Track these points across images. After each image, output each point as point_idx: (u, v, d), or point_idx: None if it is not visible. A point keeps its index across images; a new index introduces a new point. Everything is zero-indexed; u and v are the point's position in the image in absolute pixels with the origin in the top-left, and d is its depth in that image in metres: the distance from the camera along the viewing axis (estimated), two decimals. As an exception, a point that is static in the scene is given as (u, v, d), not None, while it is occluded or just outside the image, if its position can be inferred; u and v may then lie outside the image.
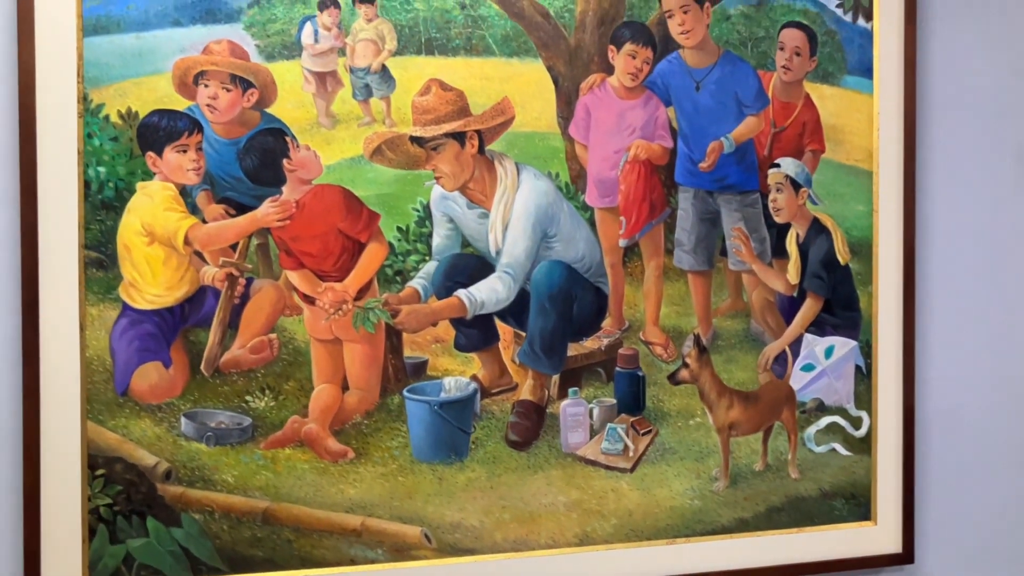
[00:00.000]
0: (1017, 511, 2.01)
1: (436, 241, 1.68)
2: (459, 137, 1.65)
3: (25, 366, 1.46)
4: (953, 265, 1.94)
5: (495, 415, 1.70)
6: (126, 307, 1.53)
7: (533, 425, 1.71)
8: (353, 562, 1.60)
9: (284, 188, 1.60)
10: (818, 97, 1.83)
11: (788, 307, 1.84)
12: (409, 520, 1.63)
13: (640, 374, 1.76)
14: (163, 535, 1.53)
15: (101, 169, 1.51)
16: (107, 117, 1.51)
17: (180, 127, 1.54)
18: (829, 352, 1.85)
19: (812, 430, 1.85)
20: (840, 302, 1.85)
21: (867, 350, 1.86)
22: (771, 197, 1.82)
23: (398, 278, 1.66)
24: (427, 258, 1.68)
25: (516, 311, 1.70)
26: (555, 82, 1.71)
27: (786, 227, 1.83)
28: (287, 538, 1.58)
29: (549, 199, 1.69)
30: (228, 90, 1.56)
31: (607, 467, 1.73)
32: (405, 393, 1.65)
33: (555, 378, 1.74)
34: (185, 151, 1.54)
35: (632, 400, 1.76)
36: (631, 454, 1.74)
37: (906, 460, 1.88)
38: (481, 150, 1.67)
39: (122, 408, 1.52)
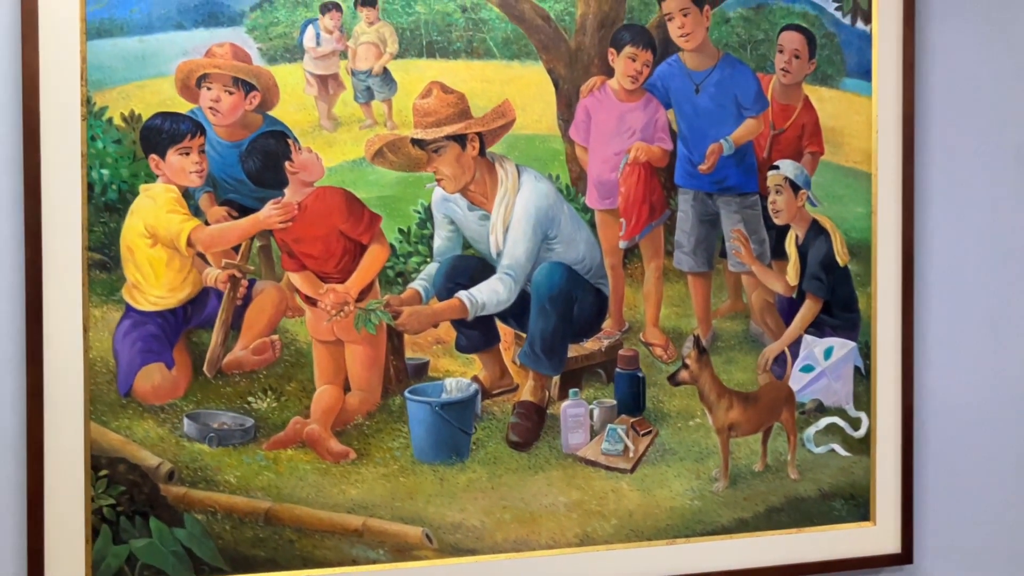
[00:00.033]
0: (1015, 511, 2.01)
1: (437, 243, 1.69)
2: (460, 139, 1.66)
3: (29, 367, 1.47)
4: (952, 266, 1.94)
5: (496, 416, 1.71)
6: (129, 309, 1.54)
7: (534, 426, 1.71)
8: (355, 562, 1.61)
9: (286, 190, 1.60)
10: (817, 99, 1.83)
11: (787, 308, 1.85)
12: (410, 520, 1.64)
13: (640, 375, 1.77)
14: (166, 535, 1.54)
15: (104, 171, 1.52)
16: (110, 120, 1.51)
17: (183, 130, 1.54)
18: (828, 353, 1.86)
19: (811, 431, 1.85)
20: (839, 303, 1.86)
21: (866, 351, 1.87)
22: (770, 199, 1.83)
23: (399, 280, 1.67)
24: (428, 260, 1.68)
25: (517, 312, 1.71)
26: (555, 85, 1.71)
27: (785, 229, 1.84)
28: (289, 538, 1.58)
29: (550, 201, 1.70)
30: (230, 93, 1.57)
31: (607, 468, 1.73)
32: (406, 394, 1.66)
33: (556, 379, 1.74)
34: (188, 153, 1.55)
35: (632, 401, 1.77)
36: (631, 455, 1.75)
37: (905, 461, 1.88)
38: (482, 152, 1.68)
39: (125, 409, 1.53)
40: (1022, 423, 2.00)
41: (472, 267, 1.69)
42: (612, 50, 1.73)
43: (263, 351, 1.60)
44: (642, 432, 1.76)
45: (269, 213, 1.59)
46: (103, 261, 1.52)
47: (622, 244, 1.77)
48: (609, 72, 1.74)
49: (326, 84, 1.61)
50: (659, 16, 1.75)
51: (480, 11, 1.66)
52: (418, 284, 1.67)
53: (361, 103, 1.63)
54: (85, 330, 1.50)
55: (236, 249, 1.59)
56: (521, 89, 1.69)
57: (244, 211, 1.59)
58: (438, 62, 1.65)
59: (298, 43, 1.59)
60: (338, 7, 1.61)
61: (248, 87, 1.58)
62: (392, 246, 1.65)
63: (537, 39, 1.70)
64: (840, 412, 1.87)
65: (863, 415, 1.87)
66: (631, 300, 1.78)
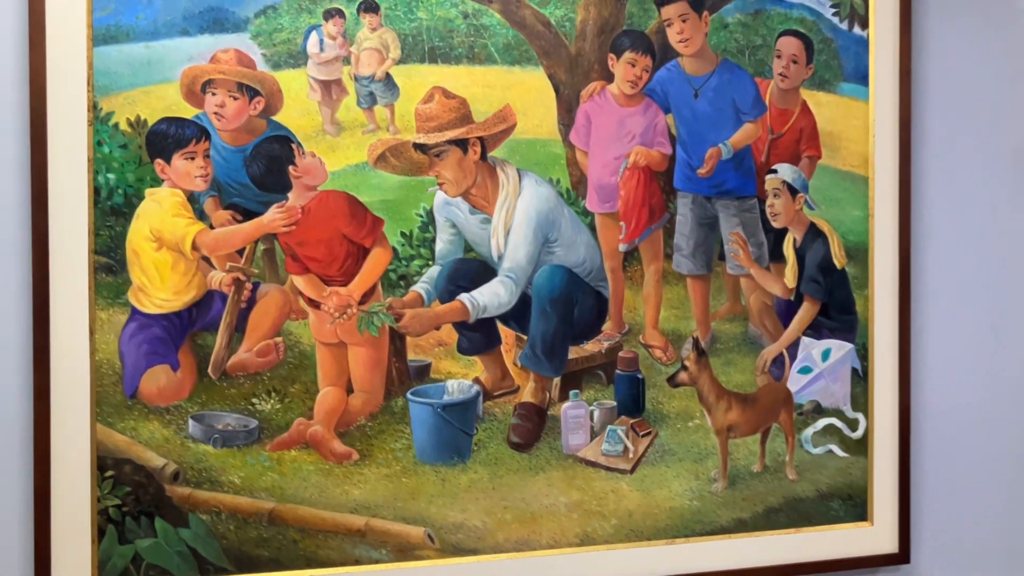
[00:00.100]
0: (1011, 511, 2.02)
1: (439, 246, 1.70)
2: (462, 144, 1.67)
3: (36, 369, 1.48)
4: (948, 269, 1.95)
5: (497, 417, 1.71)
6: (135, 311, 1.54)
7: (534, 427, 1.72)
8: (358, 562, 1.61)
9: (290, 194, 1.61)
10: (815, 104, 1.84)
11: (785, 310, 1.86)
12: (413, 521, 1.64)
13: (640, 377, 1.78)
14: (171, 535, 1.54)
15: (110, 176, 1.53)
16: (116, 125, 1.53)
17: (188, 135, 1.55)
18: (826, 355, 1.87)
19: (809, 432, 1.86)
20: (837, 306, 1.87)
21: (863, 353, 1.88)
22: (768, 202, 1.84)
23: (402, 282, 1.68)
24: (430, 263, 1.69)
25: (518, 315, 1.72)
26: (556, 90, 1.72)
27: (783, 232, 1.85)
28: (293, 538, 1.59)
29: (550, 205, 1.71)
30: (235, 98, 1.58)
31: (607, 468, 1.74)
32: (409, 396, 1.66)
33: (556, 381, 1.75)
34: (193, 158, 1.56)
35: (632, 402, 1.77)
36: (631, 455, 1.76)
37: (902, 461, 1.89)
38: (483, 157, 1.69)
39: (131, 410, 1.54)
40: (1018, 423, 2.01)
41: (473, 270, 1.70)
42: (612, 55, 1.75)
43: (267, 353, 1.61)
44: (642, 433, 1.77)
45: (273, 217, 1.60)
46: (109, 264, 1.53)
47: (622, 247, 1.78)
48: (609, 77, 1.75)
49: (329, 89, 1.63)
50: (658, 22, 1.76)
51: (481, 17, 1.68)
52: (420, 287, 1.68)
53: (364, 108, 1.64)
54: (91, 332, 1.51)
55: (240, 252, 1.60)
56: (522, 94, 1.70)
57: (248, 215, 1.60)
58: (440, 67, 1.66)
59: (302, 49, 1.60)
60: (341, 13, 1.62)
61: (252, 92, 1.59)
62: (394, 249, 1.66)
63: (538, 45, 1.71)
64: (838, 413, 1.88)
65: (860, 416, 1.88)
66: (631, 302, 1.79)
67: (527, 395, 1.73)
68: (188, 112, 1.56)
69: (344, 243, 1.64)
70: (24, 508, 1.50)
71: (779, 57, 1.83)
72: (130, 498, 1.53)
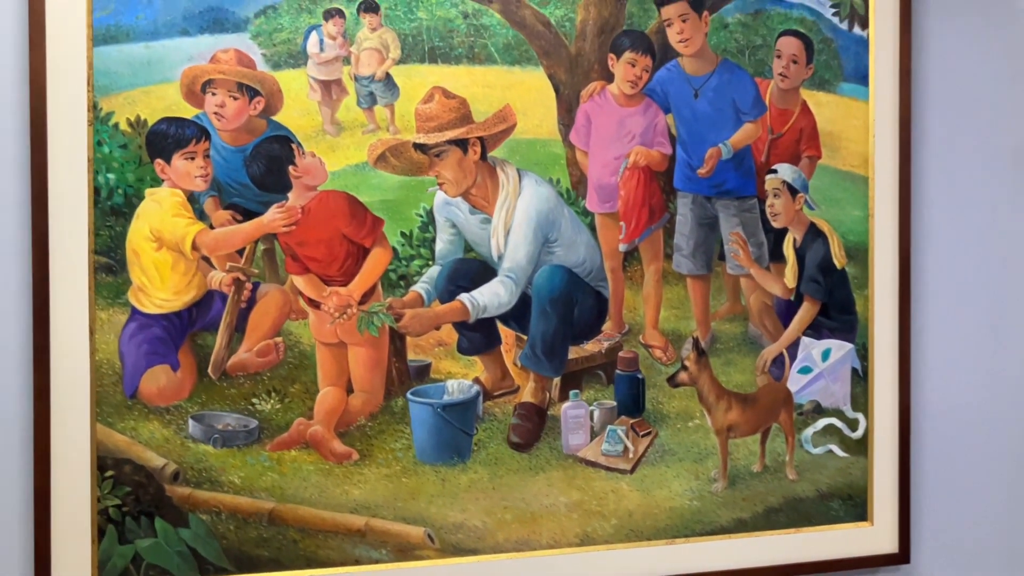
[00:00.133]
0: (1011, 511, 2.02)
1: (439, 246, 1.70)
2: (462, 144, 1.67)
3: (36, 369, 1.48)
4: (948, 269, 1.95)
5: (497, 417, 1.72)
6: (135, 311, 1.55)
7: (534, 427, 1.72)
8: (358, 562, 1.62)
9: (290, 194, 1.62)
10: (815, 104, 1.85)
11: (785, 310, 1.86)
12: (413, 521, 1.65)
13: (640, 377, 1.78)
14: (171, 535, 1.55)
15: (110, 176, 1.53)
16: (116, 125, 1.53)
17: (188, 135, 1.55)
18: (826, 355, 1.87)
19: (809, 432, 1.86)
20: (837, 306, 1.87)
21: (863, 353, 1.88)
22: (768, 202, 1.84)
23: (402, 282, 1.68)
24: (430, 263, 1.69)
25: (518, 315, 1.72)
26: (556, 90, 1.73)
27: (783, 232, 1.85)
28: (293, 538, 1.59)
29: (550, 205, 1.71)
30: (235, 98, 1.58)
31: (607, 468, 1.74)
32: (409, 396, 1.67)
33: (556, 381, 1.75)
34: (193, 158, 1.56)
35: (632, 402, 1.78)
36: (631, 455, 1.76)
37: (902, 461, 1.89)
38: (483, 157, 1.69)
39: (131, 410, 1.54)
40: (1018, 423, 2.02)
41: (473, 270, 1.70)
42: (612, 55, 1.75)
43: (267, 353, 1.61)
44: (642, 433, 1.77)
45: (273, 217, 1.60)
46: (109, 264, 1.53)
47: (622, 247, 1.78)
48: (609, 77, 1.75)
49: (329, 89, 1.63)
50: (658, 22, 1.77)
51: (481, 17, 1.68)
52: (420, 287, 1.68)
53: (364, 108, 1.64)
54: (91, 332, 1.51)
55: (240, 252, 1.60)
56: (522, 94, 1.70)
57: (248, 215, 1.60)
58: (440, 67, 1.66)
59: (302, 49, 1.61)
60: (341, 13, 1.62)
61: (252, 92, 1.59)
62: (394, 249, 1.66)
63: (538, 45, 1.71)
64: (838, 413, 1.88)
65: (860, 416, 1.88)
66: (631, 302, 1.79)
67: (527, 395, 1.73)
68: (188, 112, 1.56)
69: (344, 243, 1.64)
70: (24, 508, 1.50)
71: (779, 57, 1.83)
72: (130, 498, 1.53)
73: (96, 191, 1.52)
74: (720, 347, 1.83)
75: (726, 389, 1.81)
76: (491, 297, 1.69)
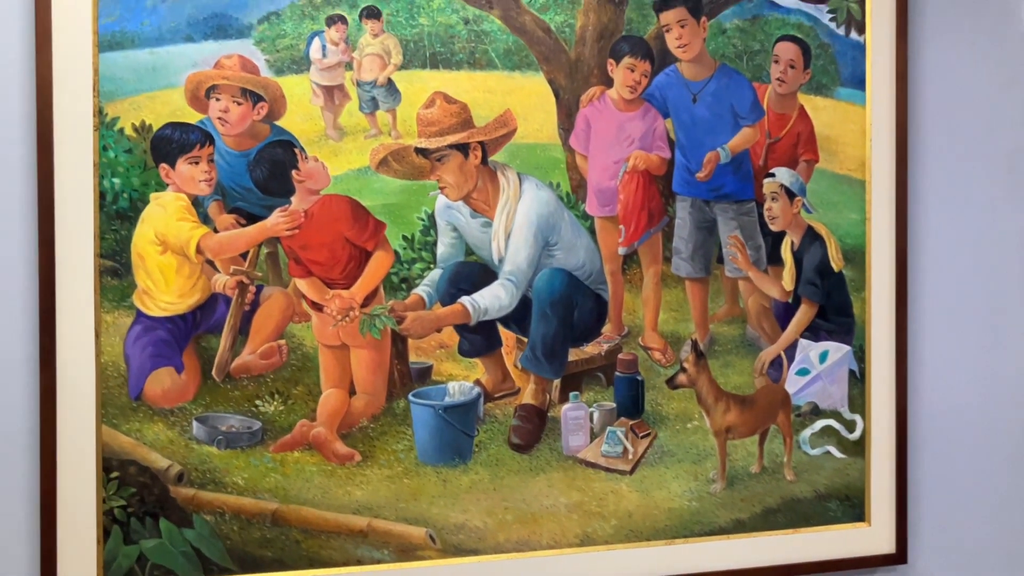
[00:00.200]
0: (1008, 512, 2.03)
1: (440, 249, 1.71)
2: (463, 148, 1.68)
3: (42, 371, 1.49)
4: (944, 272, 1.96)
5: (498, 419, 1.72)
6: (140, 314, 1.56)
7: (535, 428, 1.73)
8: (360, 562, 1.62)
9: (293, 198, 1.63)
10: (812, 108, 1.86)
11: (783, 313, 1.87)
12: (414, 521, 1.65)
13: (639, 378, 1.79)
14: (175, 536, 1.55)
15: (116, 180, 1.54)
16: (122, 130, 1.54)
17: (192, 139, 1.57)
18: (823, 357, 1.88)
19: (807, 433, 1.87)
20: (834, 308, 1.88)
21: (860, 355, 1.89)
22: (766, 206, 1.85)
23: (404, 285, 1.69)
24: (432, 266, 1.70)
25: (518, 317, 1.73)
26: (556, 95, 1.74)
27: (781, 235, 1.86)
28: (296, 539, 1.60)
29: (550, 208, 1.72)
30: (239, 103, 1.59)
31: (607, 469, 1.75)
32: (410, 397, 1.68)
33: (556, 382, 1.76)
34: (197, 163, 1.57)
35: (631, 404, 1.79)
36: (630, 457, 1.77)
37: (899, 462, 1.90)
38: (484, 161, 1.70)
39: (136, 412, 1.55)
40: (1014, 424, 2.03)
41: (475, 273, 1.71)
42: (611, 61, 1.76)
43: (270, 355, 1.62)
44: (641, 434, 1.78)
45: (276, 221, 1.61)
46: (114, 268, 1.54)
47: (621, 250, 1.79)
48: (608, 82, 1.76)
49: (332, 95, 1.64)
50: (657, 27, 1.78)
51: (482, 23, 1.69)
52: (422, 290, 1.69)
53: (366, 113, 1.65)
54: (97, 335, 1.52)
55: (244, 256, 1.61)
56: (522, 99, 1.71)
57: (252, 219, 1.61)
58: (441, 73, 1.67)
59: (305, 55, 1.62)
60: (343, 19, 1.63)
61: (256, 98, 1.60)
62: (396, 253, 1.67)
63: (538, 50, 1.72)
64: (835, 415, 1.89)
65: (858, 417, 1.89)
66: (630, 305, 1.80)
67: (527, 397, 1.74)
68: (192, 117, 1.57)
69: (346, 246, 1.65)
70: (30, 509, 1.51)
71: (777, 62, 1.84)
72: (135, 499, 1.54)
73: (102, 195, 1.53)
74: (718, 349, 1.84)
75: (724, 391, 1.82)
76: (492, 300, 1.70)
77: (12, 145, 1.50)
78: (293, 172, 1.62)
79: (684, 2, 1.77)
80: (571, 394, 1.76)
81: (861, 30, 1.88)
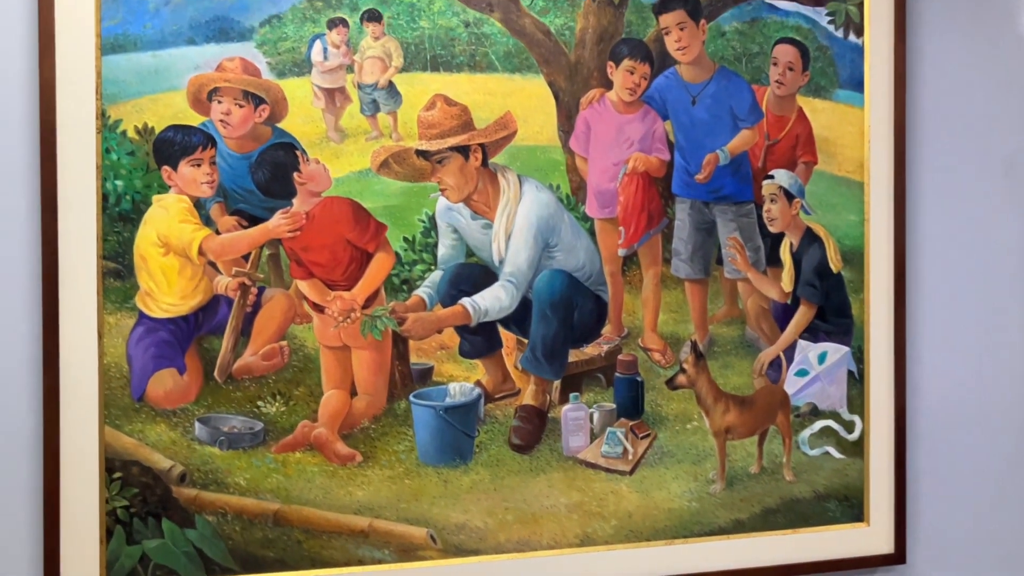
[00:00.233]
0: (1006, 512, 2.04)
1: (441, 251, 1.71)
2: (463, 150, 1.69)
3: (45, 372, 1.50)
4: (943, 273, 1.97)
5: (498, 419, 1.73)
6: (142, 315, 1.56)
7: (535, 429, 1.74)
8: (361, 562, 1.63)
9: (294, 200, 1.63)
10: (811, 110, 1.86)
11: (782, 314, 1.87)
12: (415, 521, 1.66)
13: (639, 379, 1.79)
14: (178, 536, 1.56)
15: (118, 182, 1.55)
16: (124, 132, 1.54)
17: (194, 142, 1.57)
18: (822, 358, 1.88)
19: (806, 434, 1.88)
20: (833, 309, 1.89)
21: (859, 355, 1.89)
22: (765, 207, 1.85)
23: (404, 287, 1.69)
24: (432, 267, 1.71)
25: (519, 318, 1.73)
26: (556, 97, 1.74)
27: (780, 236, 1.87)
28: (297, 539, 1.61)
29: (550, 210, 1.72)
30: (241, 106, 1.60)
31: (607, 470, 1.76)
32: (411, 398, 1.68)
33: (556, 383, 1.76)
34: (199, 165, 1.58)
35: (631, 405, 1.79)
36: (630, 457, 1.77)
37: (898, 463, 1.90)
38: (485, 163, 1.70)
39: (138, 413, 1.55)
40: (1012, 424, 2.03)
41: (475, 274, 1.72)
42: (611, 63, 1.77)
43: (272, 357, 1.62)
44: (641, 435, 1.78)
45: (278, 222, 1.62)
46: (117, 269, 1.55)
47: (621, 252, 1.79)
48: (608, 85, 1.77)
49: (333, 97, 1.65)
50: (656, 30, 1.78)
51: (482, 26, 1.70)
52: (423, 291, 1.70)
53: (367, 115, 1.66)
54: (100, 336, 1.53)
55: (246, 258, 1.62)
56: (522, 101, 1.71)
57: (254, 221, 1.62)
58: (442, 75, 1.68)
59: (306, 57, 1.62)
60: (345, 22, 1.64)
61: (258, 100, 1.60)
62: (397, 254, 1.68)
63: (538, 53, 1.73)
64: (834, 415, 1.89)
65: (856, 418, 1.90)
66: (630, 306, 1.80)
67: (528, 398, 1.74)
68: (194, 120, 1.57)
69: (348, 248, 1.66)
70: (34, 509, 1.52)
71: (775, 64, 1.85)
72: (138, 499, 1.54)
73: (104, 197, 1.53)
74: (718, 350, 1.84)
75: (724, 392, 1.82)
76: (492, 301, 1.70)
77: (15, 147, 1.51)
78: (295, 174, 1.63)
79: (683, 5, 1.78)
80: (571, 395, 1.77)
81: (860, 32, 1.88)
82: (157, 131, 1.56)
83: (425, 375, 1.70)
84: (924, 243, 1.95)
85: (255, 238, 1.62)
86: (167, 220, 1.57)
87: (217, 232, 1.60)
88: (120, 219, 1.55)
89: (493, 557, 1.69)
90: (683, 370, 1.79)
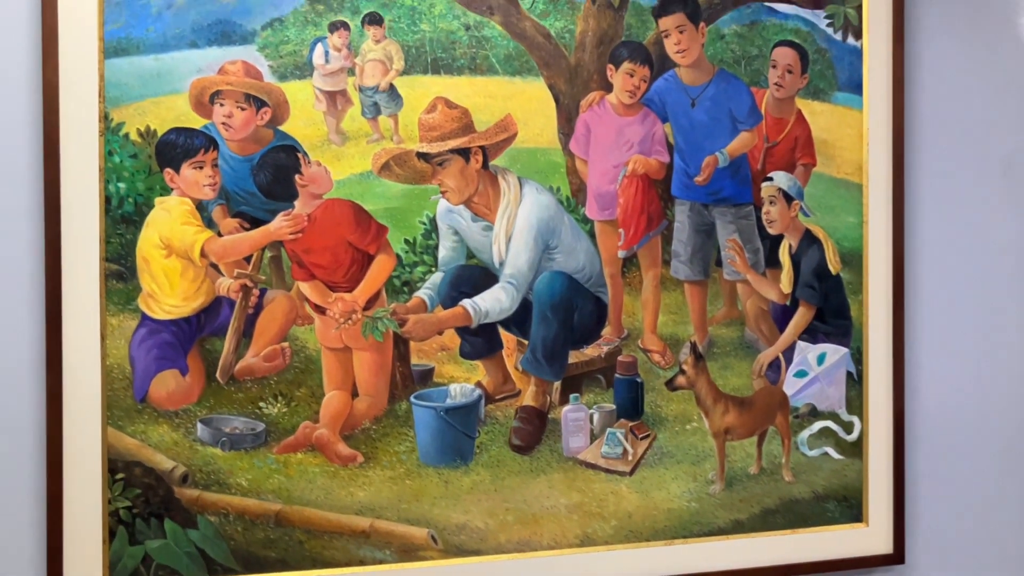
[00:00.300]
0: (1003, 512, 2.04)
1: (442, 253, 1.72)
2: (464, 153, 1.69)
3: (48, 374, 1.50)
4: (941, 274, 1.98)
5: (499, 420, 1.73)
6: (145, 317, 1.57)
7: (535, 430, 1.74)
8: (362, 563, 1.63)
9: (296, 202, 1.64)
10: (809, 113, 1.87)
11: (781, 315, 1.88)
12: (416, 522, 1.66)
13: (639, 380, 1.80)
14: (180, 536, 1.57)
15: (121, 185, 1.55)
16: (127, 135, 1.55)
17: (196, 144, 1.58)
18: (821, 359, 1.89)
19: (805, 434, 1.88)
20: (832, 310, 1.89)
21: (858, 356, 1.90)
22: (764, 209, 1.86)
23: (405, 288, 1.70)
24: (433, 269, 1.72)
25: (519, 320, 1.74)
26: (556, 100, 1.75)
27: (779, 238, 1.87)
28: (299, 539, 1.61)
29: (550, 212, 1.73)
30: (242, 109, 1.60)
31: (607, 470, 1.76)
32: (412, 399, 1.69)
33: (557, 384, 1.77)
34: (201, 167, 1.59)
35: (631, 406, 1.80)
36: (630, 458, 1.77)
37: (896, 463, 1.91)
38: (485, 165, 1.71)
39: (141, 414, 1.56)
40: (1010, 425, 2.04)
41: (476, 276, 1.73)
42: (611, 66, 1.77)
43: (274, 358, 1.63)
44: (640, 436, 1.79)
45: (280, 225, 1.63)
46: (120, 271, 1.55)
47: (621, 254, 1.80)
48: (608, 87, 1.78)
49: (334, 100, 1.65)
50: (656, 33, 1.79)
51: (483, 29, 1.70)
52: (423, 293, 1.70)
53: (368, 118, 1.67)
54: (102, 338, 1.53)
55: (248, 259, 1.62)
56: (523, 104, 1.72)
57: (255, 223, 1.63)
58: (442, 78, 1.69)
59: (307, 60, 1.63)
60: (346, 26, 1.65)
61: (259, 103, 1.61)
62: (398, 256, 1.68)
63: (538, 56, 1.73)
64: (833, 416, 1.90)
65: (855, 419, 1.90)
66: (630, 308, 1.81)
67: (528, 399, 1.75)
68: (197, 122, 1.58)
69: (349, 250, 1.66)
70: (37, 509, 1.53)
71: (774, 67, 1.85)
72: (140, 500, 1.55)
73: (107, 200, 1.54)
74: (717, 351, 1.85)
75: (723, 393, 1.83)
76: (493, 303, 1.71)
77: (19, 150, 1.52)
78: (296, 176, 1.63)
79: (683, 8, 1.79)
80: (571, 396, 1.77)
81: (858, 35, 1.89)
82: (159, 134, 1.56)
83: (426, 376, 1.71)
84: (922, 245, 1.96)
85: (257, 240, 1.62)
86: (169, 222, 1.58)
87: (219, 234, 1.61)
88: (123, 221, 1.55)
89: (494, 557, 1.70)
90: (682, 371, 1.80)
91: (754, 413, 1.84)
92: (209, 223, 1.61)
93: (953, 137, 1.98)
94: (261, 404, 1.62)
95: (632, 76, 1.78)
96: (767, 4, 1.85)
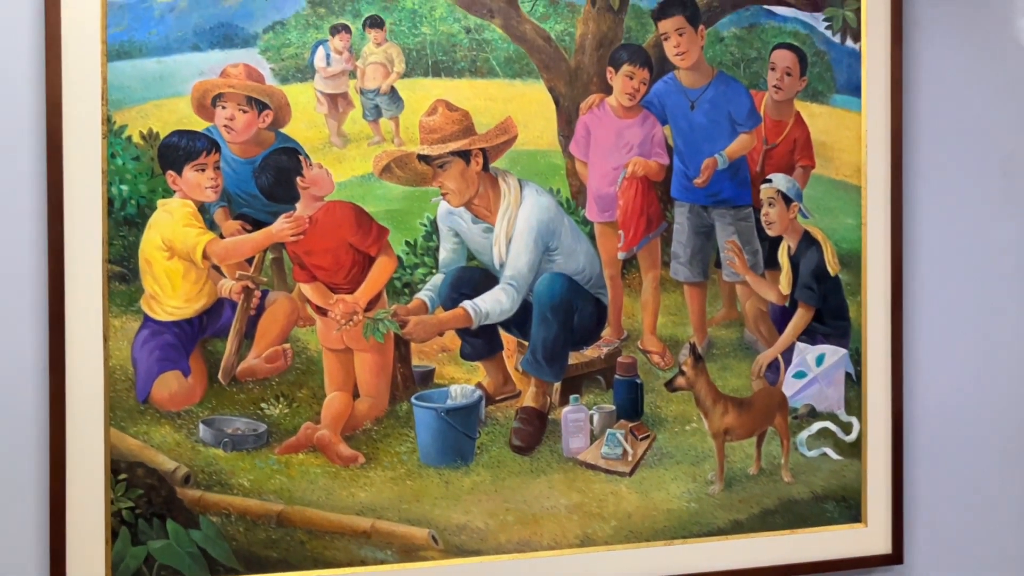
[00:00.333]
0: (1002, 512, 2.05)
1: (442, 255, 1.73)
2: (464, 155, 1.70)
3: (51, 375, 1.51)
4: (939, 276, 1.98)
5: (499, 421, 1.74)
6: (147, 319, 1.57)
7: (536, 431, 1.75)
8: (363, 563, 1.64)
9: (298, 205, 1.64)
10: (808, 115, 1.87)
11: (780, 317, 1.88)
12: (417, 522, 1.67)
13: (638, 381, 1.80)
14: (182, 537, 1.57)
15: (124, 187, 1.56)
16: (129, 138, 1.56)
17: (199, 147, 1.58)
18: (820, 360, 1.89)
19: (804, 435, 1.88)
20: (830, 312, 1.90)
21: (857, 357, 1.90)
22: (763, 211, 1.86)
23: (406, 290, 1.70)
24: (434, 271, 1.72)
25: (519, 321, 1.74)
26: (556, 102, 1.75)
27: (778, 240, 1.88)
28: (300, 540, 1.62)
29: (550, 214, 1.74)
30: (244, 111, 1.61)
31: (607, 471, 1.76)
32: (413, 400, 1.69)
33: (557, 385, 1.77)
34: (203, 170, 1.59)
35: (631, 406, 1.80)
36: (630, 458, 1.78)
37: (895, 464, 1.91)
38: (485, 167, 1.72)
39: (143, 415, 1.57)
40: (1009, 425, 2.04)
41: (476, 278, 1.73)
42: (610, 68, 1.78)
43: (275, 359, 1.63)
44: (640, 436, 1.79)
45: (281, 226, 1.63)
46: (122, 273, 1.56)
47: (621, 255, 1.80)
48: (607, 90, 1.78)
49: (336, 103, 1.66)
50: (655, 36, 1.79)
51: (483, 32, 1.71)
52: (424, 294, 1.71)
53: (369, 121, 1.67)
54: (105, 339, 1.54)
55: (250, 261, 1.63)
56: (523, 106, 1.73)
57: (257, 225, 1.63)
58: (443, 81, 1.69)
59: (309, 63, 1.63)
60: (347, 28, 1.65)
61: (261, 106, 1.62)
62: (399, 258, 1.69)
63: (538, 58, 1.74)
64: (832, 417, 1.90)
65: (854, 419, 1.91)
66: (629, 309, 1.81)
67: (528, 399, 1.75)
68: (199, 125, 1.59)
69: (350, 252, 1.67)
70: (40, 510, 1.53)
71: (773, 69, 1.86)
72: (143, 500, 1.56)
73: (110, 202, 1.54)
74: (716, 352, 1.85)
75: (722, 393, 1.83)
76: (493, 304, 1.71)
77: (22, 152, 1.52)
78: (298, 179, 1.64)
79: (682, 11, 1.79)
80: (571, 397, 1.78)
81: (857, 38, 1.89)
82: (162, 136, 1.57)
83: (427, 377, 1.71)
84: (921, 246, 1.97)
85: (259, 242, 1.63)
86: (172, 224, 1.58)
87: (221, 236, 1.61)
88: (125, 223, 1.56)
89: (494, 557, 1.70)
90: (682, 372, 1.80)
91: (753, 414, 1.84)
92: (211, 225, 1.61)
93: (951, 139, 1.98)
94: (263, 405, 1.62)
95: (632, 79, 1.78)
96: (766, 7, 1.85)
